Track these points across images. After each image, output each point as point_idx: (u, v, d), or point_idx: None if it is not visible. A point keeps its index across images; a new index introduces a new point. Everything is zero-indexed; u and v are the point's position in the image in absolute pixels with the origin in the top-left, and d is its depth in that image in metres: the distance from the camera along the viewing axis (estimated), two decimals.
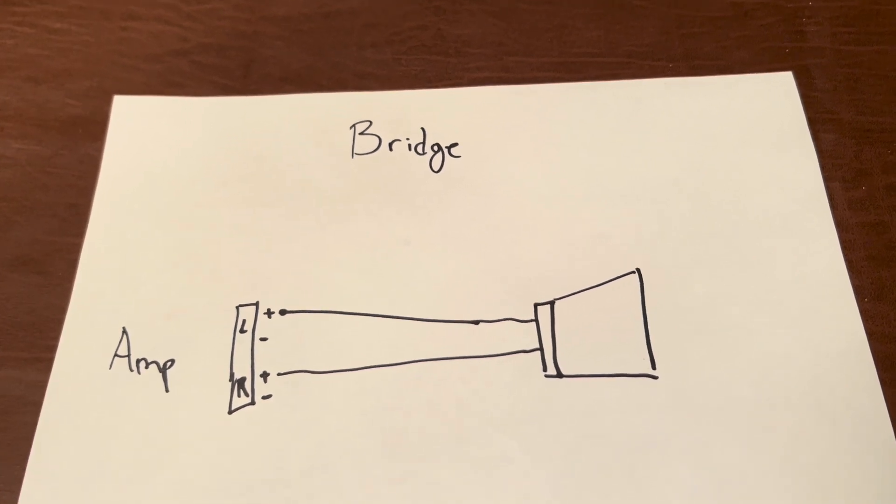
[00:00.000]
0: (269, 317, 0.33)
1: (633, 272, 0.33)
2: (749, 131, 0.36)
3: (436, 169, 0.36)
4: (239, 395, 0.31)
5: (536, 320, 0.32)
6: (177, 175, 0.36)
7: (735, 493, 0.29)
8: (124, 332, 0.33)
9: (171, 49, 0.40)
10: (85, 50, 0.40)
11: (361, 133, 0.37)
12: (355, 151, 0.37)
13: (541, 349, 0.32)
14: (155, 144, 0.37)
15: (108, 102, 0.39)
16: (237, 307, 0.33)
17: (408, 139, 0.37)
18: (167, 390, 0.31)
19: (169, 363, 0.32)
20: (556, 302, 0.33)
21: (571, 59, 0.39)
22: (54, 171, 0.37)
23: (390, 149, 0.37)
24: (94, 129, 0.38)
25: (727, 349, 0.31)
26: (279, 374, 0.32)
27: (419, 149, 0.37)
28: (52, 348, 0.32)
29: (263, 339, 0.32)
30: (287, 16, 0.41)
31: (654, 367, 0.31)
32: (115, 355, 0.32)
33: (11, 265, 0.34)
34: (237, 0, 0.42)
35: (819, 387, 0.30)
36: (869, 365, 0.31)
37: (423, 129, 0.37)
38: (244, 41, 0.41)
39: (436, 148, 0.37)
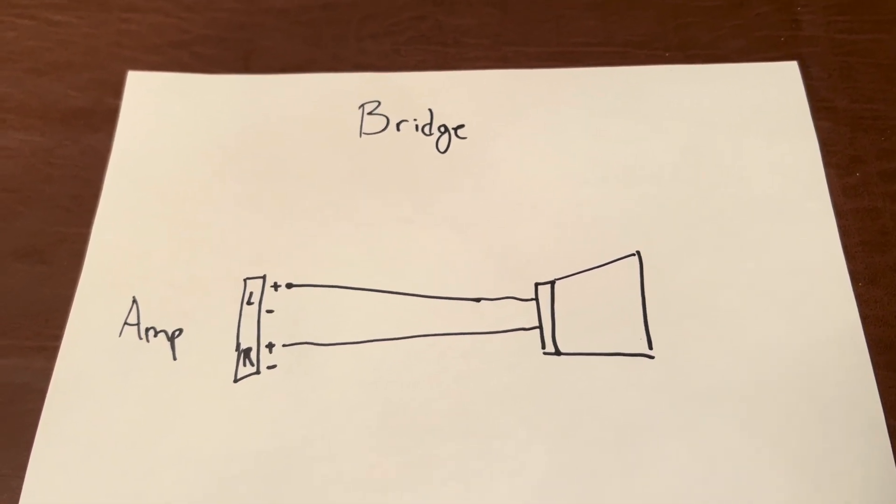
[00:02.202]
0: (276, 290, 0.33)
1: (634, 255, 0.34)
2: (752, 119, 0.37)
3: (442, 150, 0.37)
4: (245, 365, 0.32)
5: (537, 299, 0.33)
6: (189, 149, 0.37)
7: (726, 474, 0.29)
8: (134, 301, 0.33)
9: (171, 40, 0.41)
10: (85, 42, 0.41)
11: (370, 113, 0.38)
12: (363, 131, 0.37)
13: (540, 327, 0.32)
14: (167, 119, 0.38)
15: (109, 94, 0.39)
16: (245, 280, 0.34)
17: (415, 120, 0.38)
18: (175, 358, 0.32)
19: (177, 332, 0.32)
20: (557, 282, 0.33)
21: (569, 48, 0.39)
22: (57, 161, 0.37)
23: (398, 129, 0.37)
24: (95, 120, 0.38)
25: (723, 332, 0.32)
26: (284, 346, 0.32)
27: (426, 129, 0.37)
28: (57, 337, 0.33)
29: (270, 312, 0.33)
30: (286, 7, 0.42)
31: (650, 348, 0.32)
32: (125, 323, 0.33)
33: (16, 255, 0.35)
34: None
35: (812, 370, 0.31)
36: (862, 348, 0.31)
37: (430, 110, 0.38)
38: (244, 33, 0.41)
39: (443, 129, 0.37)
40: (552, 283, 0.33)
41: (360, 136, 0.37)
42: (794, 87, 0.38)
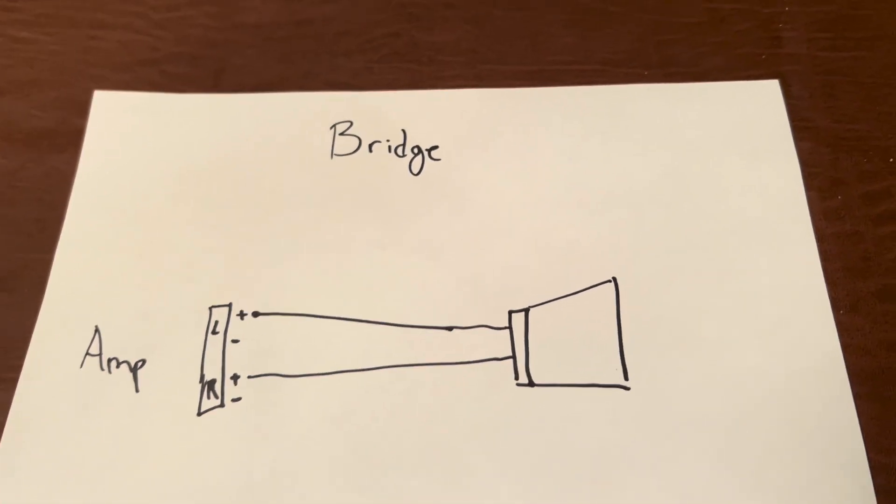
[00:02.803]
0: (242, 318, 0.32)
1: (609, 281, 0.33)
2: (732, 139, 0.36)
3: (415, 172, 0.36)
4: (208, 397, 0.31)
5: (510, 328, 0.32)
6: (155, 172, 0.36)
7: None
8: (97, 330, 0.32)
9: (140, 58, 0.40)
10: (51, 59, 0.40)
11: (342, 133, 0.37)
12: (335, 152, 0.36)
13: (513, 357, 0.31)
14: (133, 140, 0.37)
15: (75, 114, 0.38)
16: (210, 308, 0.33)
17: (388, 141, 0.37)
18: (137, 390, 0.31)
19: (140, 363, 0.32)
20: (531, 309, 0.32)
21: (546, 66, 0.39)
22: (20, 185, 0.36)
23: (370, 150, 0.37)
24: (60, 141, 0.37)
25: (701, 361, 0.31)
26: (249, 377, 0.31)
27: (399, 151, 0.37)
28: (16, 368, 0.32)
29: (235, 341, 0.32)
30: (258, 23, 0.41)
31: (626, 378, 0.31)
32: (87, 354, 0.32)
33: None
34: (208, 8, 0.41)
35: (792, 401, 0.30)
36: (843, 378, 0.30)
37: (403, 130, 0.37)
38: (215, 50, 0.40)
39: (416, 150, 0.36)
40: (526, 310, 0.32)
41: (332, 157, 0.36)
42: (775, 106, 0.37)
